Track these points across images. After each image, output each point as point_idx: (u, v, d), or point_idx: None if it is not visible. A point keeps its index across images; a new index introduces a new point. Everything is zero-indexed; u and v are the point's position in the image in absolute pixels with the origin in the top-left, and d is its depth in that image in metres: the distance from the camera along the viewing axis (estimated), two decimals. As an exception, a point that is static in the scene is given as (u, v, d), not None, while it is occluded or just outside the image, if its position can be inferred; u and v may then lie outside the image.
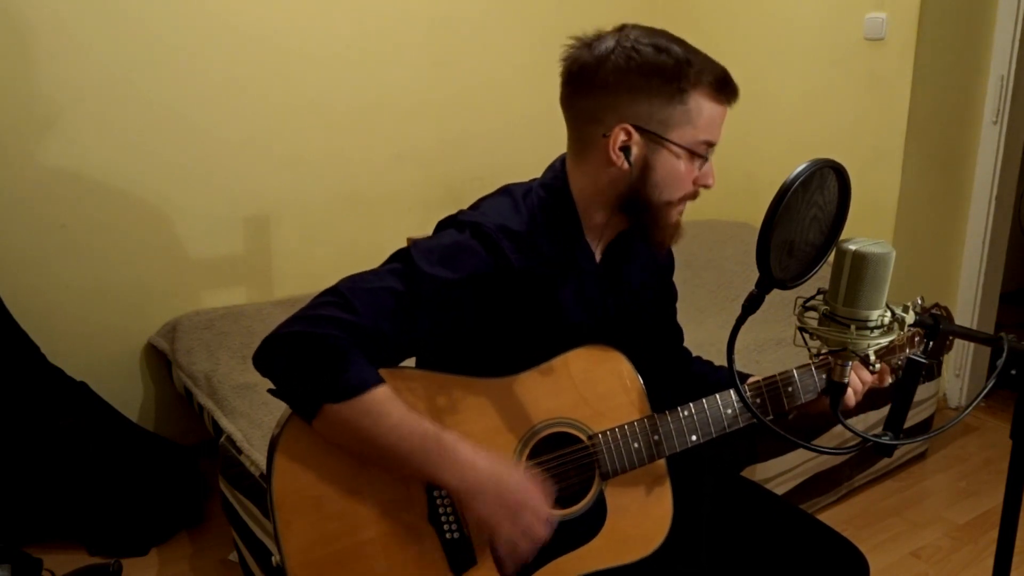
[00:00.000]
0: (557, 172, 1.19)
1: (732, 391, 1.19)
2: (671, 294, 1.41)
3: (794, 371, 1.22)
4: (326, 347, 1.01)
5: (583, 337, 1.18)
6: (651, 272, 1.32)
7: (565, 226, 1.17)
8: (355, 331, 1.02)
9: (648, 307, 1.32)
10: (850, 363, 0.91)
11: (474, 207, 1.20)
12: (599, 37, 1.12)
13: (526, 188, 1.20)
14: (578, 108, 1.15)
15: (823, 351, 0.89)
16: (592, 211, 1.18)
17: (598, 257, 1.22)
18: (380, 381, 1.03)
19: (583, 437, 1.15)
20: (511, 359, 1.14)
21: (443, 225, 1.18)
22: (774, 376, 1.22)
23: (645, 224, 1.16)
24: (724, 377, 1.36)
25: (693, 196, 1.16)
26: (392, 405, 1.03)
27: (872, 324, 0.85)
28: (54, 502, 2.09)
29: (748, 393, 1.21)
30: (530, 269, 1.12)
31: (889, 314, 0.86)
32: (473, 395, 1.11)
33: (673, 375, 1.40)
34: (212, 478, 2.15)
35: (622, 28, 1.11)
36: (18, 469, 2.06)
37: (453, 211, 1.19)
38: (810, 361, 1.22)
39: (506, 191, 1.21)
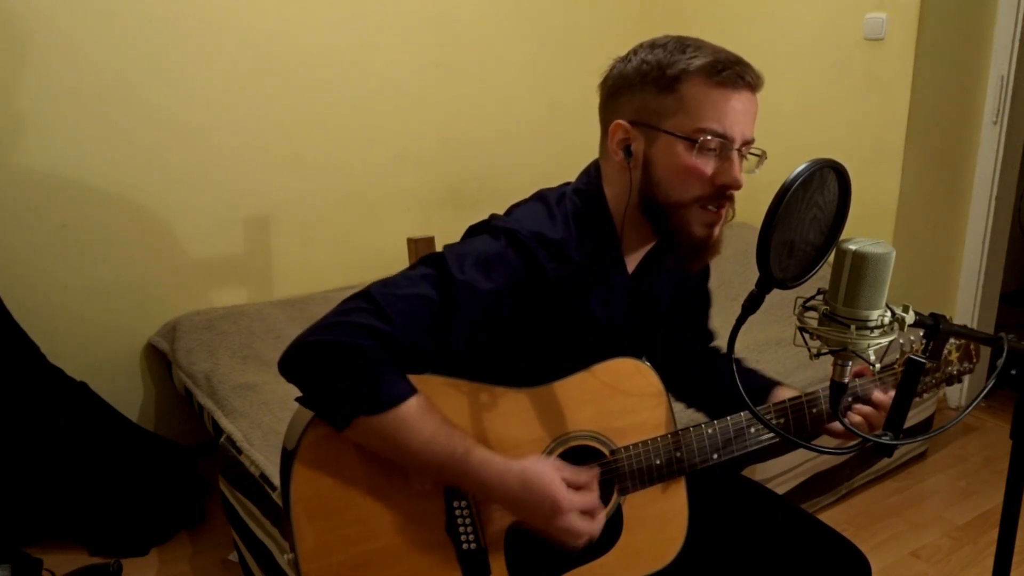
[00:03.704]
0: (592, 178, 1.17)
1: (750, 408, 1.18)
2: (706, 300, 1.39)
3: (820, 391, 1.20)
4: (361, 358, 0.99)
5: (608, 347, 1.16)
6: (683, 286, 1.30)
7: (599, 234, 1.15)
8: (390, 342, 1.01)
9: (675, 321, 1.31)
10: (850, 363, 0.91)
11: (507, 213, 1.18)
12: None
13: (559, 193, 1.18)
14: (600, 120, 1.17)
15: (823, 351, 0.89)
16: (623, 219, 1.15)
17: (631, 268, 1.20)
18: (414, 392, 1.02)
19: (606, 452, 1.14)
20: (535, 367, 1.13)
21: (475, 230, 1.16)
22: (799, 397, 1.20)
23: (668, 234, 1.12)
24: (739, 379, 1.36)
25: (714, 197, 1.09)
26: (426, 419, 1.02)
27: (872, 324, 0.85)
28: (54, 502, 2.09)
29: (772, 413, 1.20)
30: (563, 277, 1.11)
31: (889, 314, 0.86)
32: (498, 405, 1.10)
33: (692, 378, 1.38)
34: (212, 478, 2.15)
35: (653, 40, 1.12)
36: (18, 469, 2.06)
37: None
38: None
39: (539, 197, 1.19)
